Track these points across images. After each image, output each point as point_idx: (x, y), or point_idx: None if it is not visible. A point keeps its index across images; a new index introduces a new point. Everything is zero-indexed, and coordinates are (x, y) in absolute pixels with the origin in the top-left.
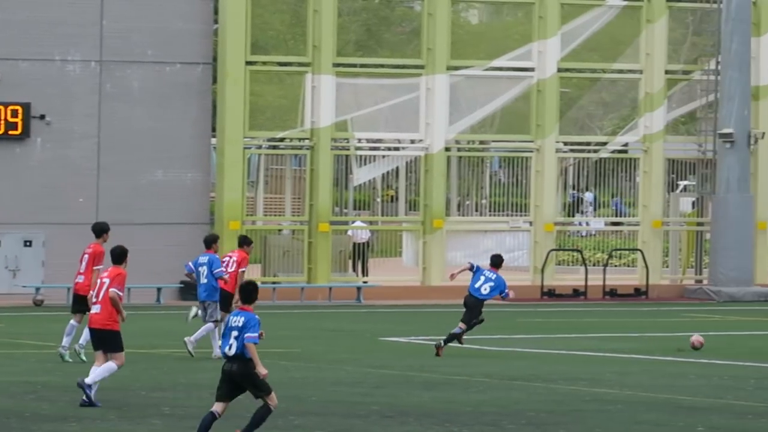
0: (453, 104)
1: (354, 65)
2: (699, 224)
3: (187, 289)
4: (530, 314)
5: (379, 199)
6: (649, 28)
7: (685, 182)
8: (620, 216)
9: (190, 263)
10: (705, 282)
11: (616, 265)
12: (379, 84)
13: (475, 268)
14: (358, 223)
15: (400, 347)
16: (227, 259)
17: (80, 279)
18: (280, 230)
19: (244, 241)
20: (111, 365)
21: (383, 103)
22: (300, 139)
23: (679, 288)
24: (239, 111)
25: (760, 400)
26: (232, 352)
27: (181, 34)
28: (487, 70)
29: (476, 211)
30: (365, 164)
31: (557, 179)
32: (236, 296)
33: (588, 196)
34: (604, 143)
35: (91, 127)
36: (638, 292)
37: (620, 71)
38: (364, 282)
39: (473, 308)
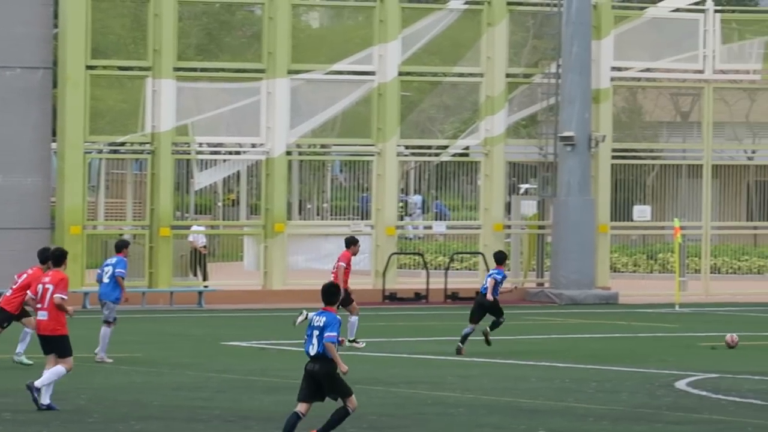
0: (294, 108)
1: (195, 69)
2: (540, 227)
3: None
4: (372, 318)
5: (220, 204)
6: (490, 32)
7: (527, 185)
8: (443, 219)
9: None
10: (546, 285)
11: (457, 269)
12: (220, 88)
13: (492, 275)
14: (195, 228)
15: (241, 351)
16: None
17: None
18: (121, 235)
19: (351, 242)
20: (60, 369)
21: (224, 107)
22: (141, 144)
23: (521, 291)
24: (80, 115)
25: (600, 403)
26: (315, 351)
27: (20, 39)
28: (328, 73)
29: (317, 215)
30: (206, 168)
31: (398, 183)
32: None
33: (416, 199)
34: (446, 147)
35: None
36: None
37: (461, 74)
38: (206, 286)
39: (490, 307)
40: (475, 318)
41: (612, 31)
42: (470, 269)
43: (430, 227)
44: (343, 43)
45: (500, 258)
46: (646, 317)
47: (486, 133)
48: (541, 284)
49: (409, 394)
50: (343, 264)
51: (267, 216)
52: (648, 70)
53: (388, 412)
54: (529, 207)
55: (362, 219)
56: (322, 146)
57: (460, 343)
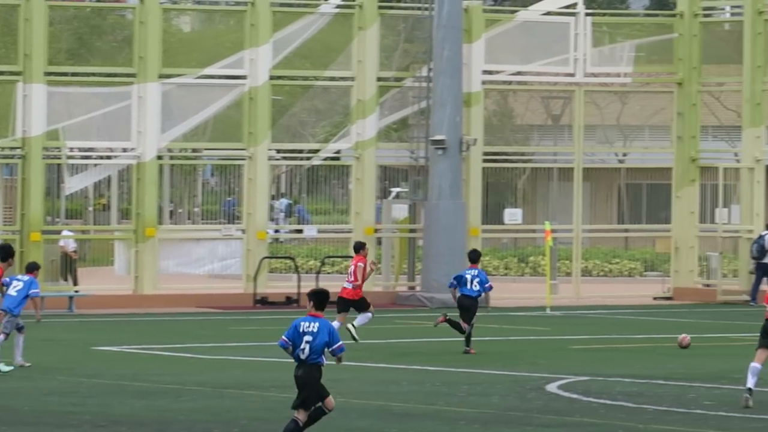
0: (165, 112)
1: (66, 74)
2: (411, 231)
3: None
4: (243, 322)
5: (91, 208)
6: (361, 35)
7: (398, 189)
8: (304, 223)
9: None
10: (417, 288)
11: (329, 272)
12: (91, 92)
13: (457, 279)
14: (66, 233)
15: (112, 356)
16: (352, 267)
17: None
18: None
19: (360, 246)
20: None
21: (95, 112)
22: (11, 149)
23: (392, 294)
24: None
25: (472, 406)
26: (305, 356)
27: None
28: (199, 78)
29: (189, 219)
30: (77, 173)
31: (270, 187)
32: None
33: (280, 203)
34: (317, 151)
35: None
36: None
37: (332, 78)
38: (76, 291)
39: (469, 308)
40: (467, 318)
41: (483, 34)
42: (341, 273)
43: (301, 231)
44: (214, 47)
45: (474, 257)
46: (517, 320)
47: (357, 136)
48: (412, 288)
49: (281, 398)
50: (362, 264)
51: (138, 220)
52: (519, 73)
53: (259, 416)
54: (400, 211)
55: (229, 223)
56: (194, 150)
57: (465, 346)
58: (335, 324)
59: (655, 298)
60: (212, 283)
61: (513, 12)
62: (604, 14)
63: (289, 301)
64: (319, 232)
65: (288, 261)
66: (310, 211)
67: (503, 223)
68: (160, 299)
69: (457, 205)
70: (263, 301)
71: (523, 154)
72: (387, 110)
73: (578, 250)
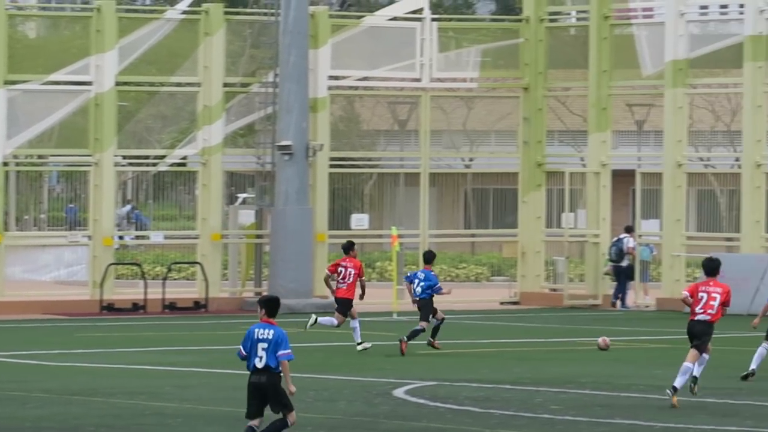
0: (11, 119)
1: None
2: (258, 237)
3: None
4: (89, 329)
5: None
6: (207, 41)
7: (245, 195)
8: (143, 228)
9: None
10: (265, 294)
11: (175, 279)
12: None
13: (410, 278)
14: None
15: None
16: (342, 270)
17: None
18: None
19: (350, 247)
20: None
21: None
22: None
23: (239, 300)
24: None
25: (319, 412)
26: (262, 364)
27: None
28: (45, 84)
29: (35, 225)
30: None
31: (116, 193)
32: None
33: (121, 210)
34: (163, 156)
35: None
36: (198, 305)
37: (179, 84)
38: None
39: (420, 308)
40: (422, 317)
41: (329, 40)
42: (189, 279)
43: (147, 237)
44: (60, 53)
45: (428, 258)
46: (364, 325)
47: (204, 142)
48: (258, 293)
49: (128, 404)
50: (352, 270)
51: None
52: (365, 78)
53: (106, 423)
54: (247, 216)
55: (70, 230)
56: (39, 157)
57: (430, 337)
58: (333, 321)
59: (502, 303)
60: (59, 290)
61: (359, 17)
62: (451, 19)
63: (136, 307)
64: (166, 238)
65: (134, 267)
66: (156, 218)
67: (350, 229)
68: (6, 306)
69: (304, 211)
70: (110, 308)
71: (369, 159)
72: (233, 116)
73: None
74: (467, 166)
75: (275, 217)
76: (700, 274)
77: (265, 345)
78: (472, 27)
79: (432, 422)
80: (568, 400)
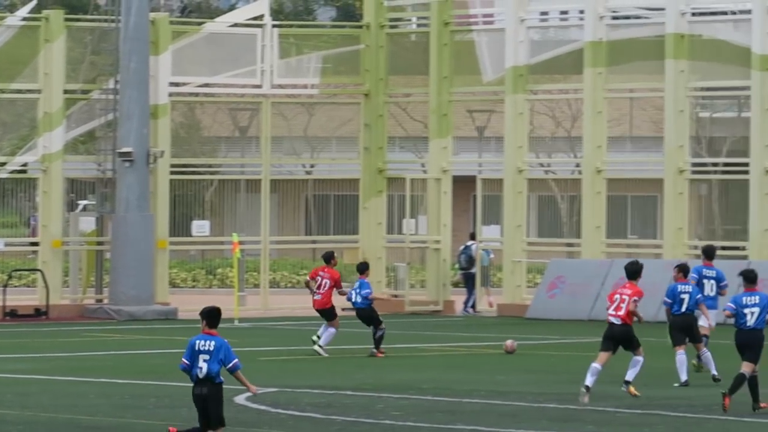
0: None
1: None
2: (99, 243)
3: None
4: None
5: None
6: (48, 48)
7: (86, 202)
8: None
9: None
10: (105, 301)
11: (16, 286)
12: None
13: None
14: None
15: None
16: (319, 279)
17: None
18: None
19: (330, 256)
20: None
21: None
22: None
23: (80, 307)
24: None
25: (160, 419)
26: (203, 375)
27: None
28: None
29: None
30: None
31: None
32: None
33: None
34: (3, 164)
35: None
36: (39, 313)
37: (19, 91)
38: None
39: (362, 319)
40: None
41: (170, 46)
42: (29, 286)
43: None
44: None
45: (361, 268)
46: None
47: (44, 149)
48: (100, 300)
49: (27, 416)
50: (327, 281)
51: None
52: (206, 85)
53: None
54: (87, 223)
55: None
56: None
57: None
58: (331, 330)
59: (343, 309)
60: None
61: (200, 24)
62: (291, 26)
63: None
64: (6, 245)
65: None
66: None
67: (191, 235)
68: None
69: (145, 218)
70: None
71: (210, 166)
72: (74, 123)
73: (266, 261)
74: (308, 173)
75: (116, 223)
76: (540, 279)
77: (207, 357)
78: (313, 33)
79: (273, 429)
80: (410, 406)
